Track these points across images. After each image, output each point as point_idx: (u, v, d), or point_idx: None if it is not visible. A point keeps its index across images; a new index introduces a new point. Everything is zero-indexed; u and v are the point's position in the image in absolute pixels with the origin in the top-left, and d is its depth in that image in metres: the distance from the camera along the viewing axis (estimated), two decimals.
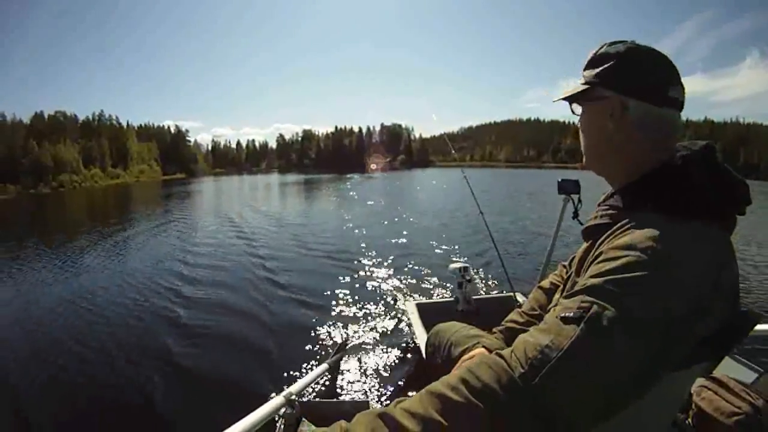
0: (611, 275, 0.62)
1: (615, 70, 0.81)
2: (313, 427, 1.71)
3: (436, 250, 7.06)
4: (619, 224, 0.73)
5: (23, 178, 53.66)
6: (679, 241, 0.65)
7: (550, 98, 0.93)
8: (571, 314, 0.61)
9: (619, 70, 0.81)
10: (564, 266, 1.21)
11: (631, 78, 0.80)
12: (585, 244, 0.89)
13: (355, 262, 6.46)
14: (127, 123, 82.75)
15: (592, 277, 0.65)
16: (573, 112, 0.93)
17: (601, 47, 0.85)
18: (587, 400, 0.59)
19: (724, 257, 0.68)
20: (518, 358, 0.60)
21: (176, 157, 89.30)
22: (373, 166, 78.85)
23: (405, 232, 9.04)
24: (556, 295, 1.01)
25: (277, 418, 1.62)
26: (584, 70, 0.88)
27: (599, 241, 0.75)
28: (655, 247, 0.63)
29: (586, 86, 0.85)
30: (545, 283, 1.24)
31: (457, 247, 7.32)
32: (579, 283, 0.67)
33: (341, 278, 5.59)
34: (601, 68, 0.83)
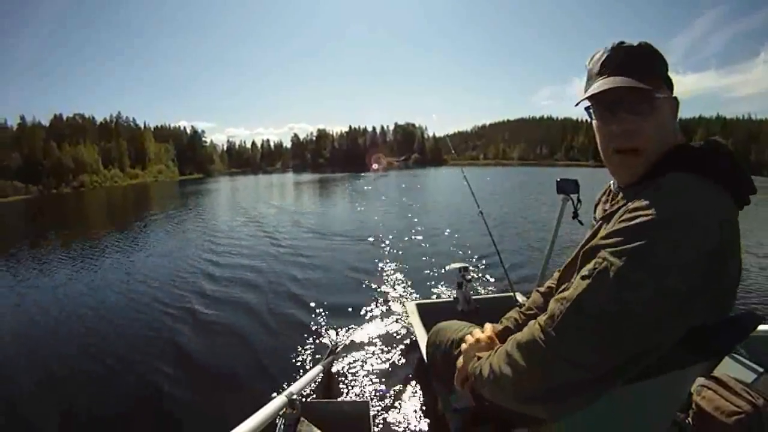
0: (629, 231, 0.67)
1: (666, 70, 0.85)
2: (314, 427, 1.75)
3: (436, 250, 7.04)
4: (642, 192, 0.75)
5: (45, 178, 55.14)
6: (700, 197, 0.68)
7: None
8: (587, 272, 0.68)
9: (667, 70, 0.86)
10: (559, 271, 1.23)
11: (669, 78, 0.86)
12: (597, 226, 0.92)
13: (357, 261, 6.48)
14: (144, 124, 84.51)
15: (611, 231, 0.70)
16: (593, 117, 0.89)
17: (636, 46, 0.84)
18: (595, 344, 0.65)
19: (737, 228, 0.70)
20: (547, 312, 0.73)
21: (193, 157, 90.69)
22: (375, 166, 74.16)
23: (406, 232, 9.03)
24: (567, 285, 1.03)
25: (277, 418, 1.64)
26: (630, 68, 0.82)
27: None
28: (674, 204, 0.67)
29: (648, 88, 0.80)
30: (543, 288, 1.25)
31: (457, 246, 7.29)
32: (598, 237, 0.74)
33: (342, 277, 5.63)
34: (658, 68, 0.85)
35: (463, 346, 1.11)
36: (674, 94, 0.86)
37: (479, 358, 0.96)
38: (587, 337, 0.65)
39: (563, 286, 0.98)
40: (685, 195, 0.67)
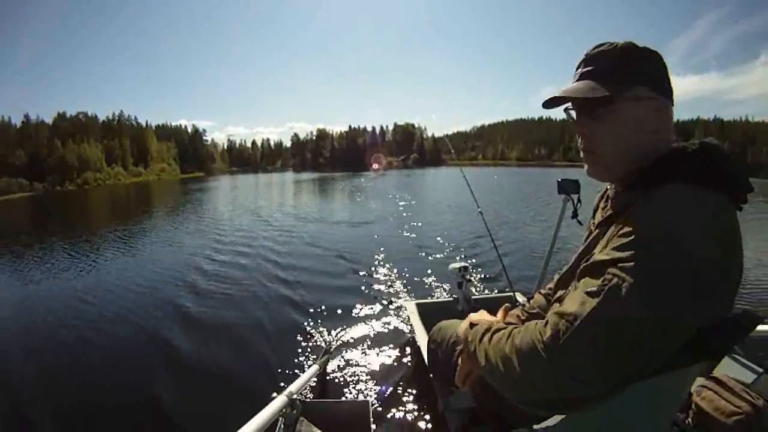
0: (634, 247, 0.67)
1: (648, 70, 0.83)
2: (314, 427, 1.75)
3: (436, 250, 7.04)
4: (640, 199, 0.75)
5: (49, 176, 55.25)
6: (700, 208, 0.68)
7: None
8: (595, 289, 0.68)
9: (654, 71, 0.83)
10: (559, 274, 1.23)
11: (663, 78, 0.83)
12: (596, 232, 0.91)
13: (356, 261, 6.47)
14: (146, 123, 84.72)
15: (615, 248, 0.69)
16: (570, 115, 0.91)
17: (607, 50, 0.84)
18: (604, 361, 0.65)
19: (738, 233, 0.71)
20: (549, 326, 0.71)
21: (194, 155, 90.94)
22: (375, 166, 77.54)
23: (405, 232, 9.02)
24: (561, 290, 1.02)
25: (277, 418, 1.63)
26: (606, 69, 0.83)
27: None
28: (677, 217, 0.67)
29: (619, 88, 0.81)
30: (545, 290, 1.25)
31: (457, 246, 7.29)
32: (602, 252, 0.72)
33: (341, 277, 5.63)
34: (637, 68, 0.83)
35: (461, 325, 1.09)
36: (662, 94, 0.83)
37: (472, 324, 0.96)
38: (596, 354, 0.65)
39: (559, 293, 0.98)
40: (682, 208, 0.68)
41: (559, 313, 0.71)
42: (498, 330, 0.86)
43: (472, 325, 0.99)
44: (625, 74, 0.82)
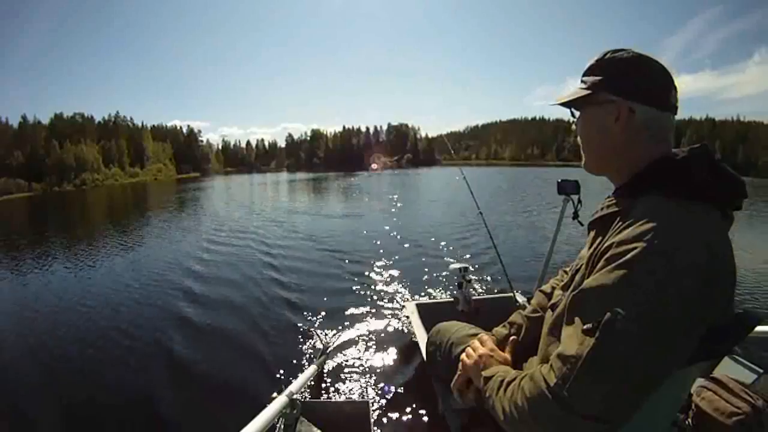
0: (620, 272, 0.67)
1: (622, 77, 0.85)
2: (314, 427, 1.75)
3: (436, 250, 7.03)
4: (624, 211, 0.78)
5: (47, 176, 55.04)
6: (681, 223, 0.68)
7: (557, 95, 0.95)
8: (591, 326, 0.68)
9: (626, 77, 0.84)
10: (565, 272, 1.21)
11: (638, 85, 0.83)
12: (590, 236, 0.92)
13: (355, 261, 6.45)
14: (142, 123, 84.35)
15: (603, 274, 0.70)
16: (572, 115, 0.96)
17: (605, 54, 0.88)
18: (616, 396, 0.66)
19: (725, 241, 0.71)
20: (553, 371, 0.72)
21: (190, 156, 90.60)
22: (374, 166, 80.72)
23: (403, 232, 9.01)
24: (557, 291, 1.03)
25: (277, 419, 1.63)
26: (586, 75, 0.90)
27: (608, 233, 0.78)
28: (658, 235, 0.67)
29: (588, 91, 0.88)
30: (546, 288, 1.25)
31: (456, 247, 7.28)
32: (591, 279, 0.72)
33: (341, 277, 5.60)
34: (606, 74, 0.86)
35: (464, 357, 1.08)
36: (633, 100, 0.84)
37: (486, 378, 0.95)
38: (607, 391, 0.66)
39: (557, 296, 0.99)
40: (663, 223, 0.68)
41: (560, 356, 0.71)
42: (511, 381, 0.85)
43: (477, 360, 1.02)
44: (599, 79, 0.87)
